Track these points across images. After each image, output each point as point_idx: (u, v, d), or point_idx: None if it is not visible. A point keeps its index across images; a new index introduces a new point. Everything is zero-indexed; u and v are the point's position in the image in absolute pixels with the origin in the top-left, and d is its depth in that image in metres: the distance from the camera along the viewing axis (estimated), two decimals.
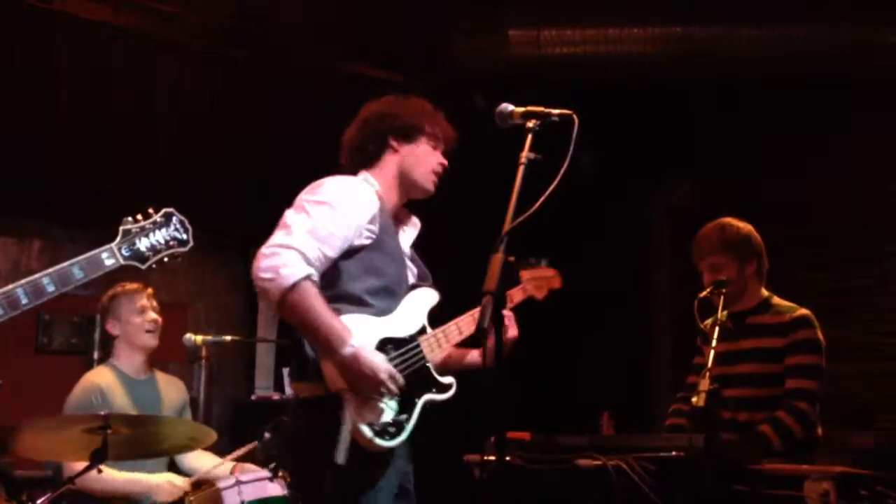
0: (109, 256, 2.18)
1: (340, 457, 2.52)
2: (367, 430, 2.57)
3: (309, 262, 2.54)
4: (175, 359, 4.73)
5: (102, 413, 3.16)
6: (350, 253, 2.67)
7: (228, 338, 4.29)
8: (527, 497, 2.96)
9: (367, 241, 2.69)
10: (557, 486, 2.90)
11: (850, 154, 5.85)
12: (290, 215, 2.62)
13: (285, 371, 5.50)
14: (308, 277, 2.52)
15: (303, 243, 2.55)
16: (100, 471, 3.09)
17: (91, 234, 5.45)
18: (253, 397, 5.76)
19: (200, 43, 5.55)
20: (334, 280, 2.66)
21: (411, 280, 2.85)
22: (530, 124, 2.36)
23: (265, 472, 3.62)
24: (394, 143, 2.84)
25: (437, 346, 2.78)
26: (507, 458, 2.90)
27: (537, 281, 3.22)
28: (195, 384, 4.44)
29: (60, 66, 5.16)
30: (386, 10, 5.63)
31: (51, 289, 2.05)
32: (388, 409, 2.63)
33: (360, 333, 2.59)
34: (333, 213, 2.61)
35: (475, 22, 5.88)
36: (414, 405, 2.69)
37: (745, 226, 3.57)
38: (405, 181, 2.85)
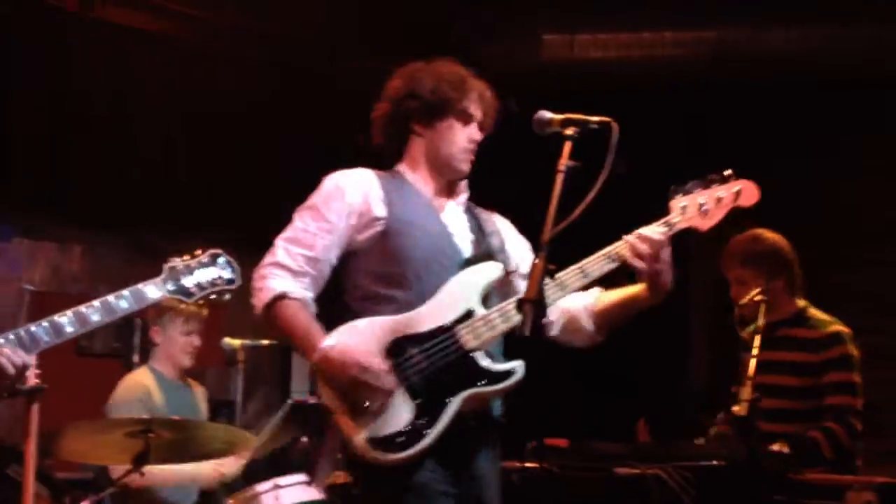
0: (155, 290, 2.23)
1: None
2: (362, 444, 2.35)
3: (293, 273, 2.47)
4: (212, 363, 4.78)
5: (145, 417, 3.21)
6: (362, 247, 2.53)
7: (266, 342, 4.32)
8: None
9: (380, 229, 2.52)
10: (595, 495, 2.89)
11: (891, 155, 5.78)
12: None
13: None
14: (282, 296, 2.43)
15: (283, 255, 2.49)
16: (142, 474, 3.13)
17: (129, 239, 5.58)
18: (290, 401, 5.80)
19: (228, 46, 5.60)
20: (351, 279, 2.54)
21: (466, 256, 2.56)
22: (569, 132, 2.30)
23: (303, 476, 3.65)
24: (417, 128, 2.64)
25: (490, 329, 2.44)
26: (545, 465, 2.90)
27: (704, 203, 2.55)
28: (233, 388, 4.48)
29: (96, 72, 5.23)
30: (413, 13, 5.64)
31: (96, 318, 2.09)
32: (396, 415, 2.37)
33: (364, 336, 2.41)
34: (316, 213, 2.53)
35: (507, 26, 5.88)
36: (443, 405, 2.38)
37: (774, 238, 3.53)
38: (436, 164, 2.64)
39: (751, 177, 2.57)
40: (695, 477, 2.79)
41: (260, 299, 2.46)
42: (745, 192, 2.55)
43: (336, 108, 5.64)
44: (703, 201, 2.53)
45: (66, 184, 5.13)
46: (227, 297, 2.35)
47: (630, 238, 2.46)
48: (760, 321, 3.12)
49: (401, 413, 2.37)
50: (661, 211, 2.58)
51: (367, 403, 2.35)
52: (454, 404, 2.38)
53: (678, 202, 2.55)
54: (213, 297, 2.33)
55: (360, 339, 2.41)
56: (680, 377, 6.34)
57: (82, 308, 2.07)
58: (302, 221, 2.54)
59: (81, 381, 4.91)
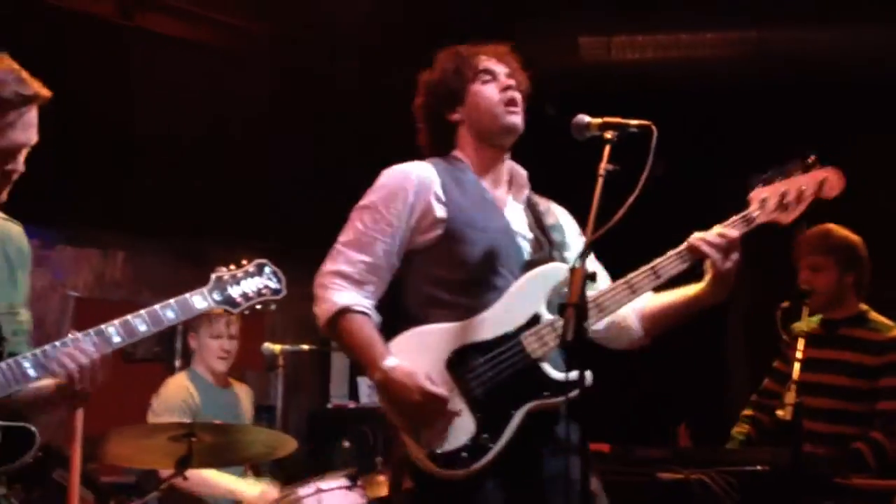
0: (202, 300, 2.23)
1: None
2: (425, 459, 2.29)
3: (355, 282, 2.42)
4: (252, 367, 4.82)
5: (187, 421, 3.25)
6: (423, 248, 2.44)
7: (306, 347, 4.35)
8: None
9: (440, 231, 2.42)
10: (639, 500, 2.87)
11: None
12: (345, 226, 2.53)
13: (360, 380, 5.56)
14: (345, 310, 2.38)
15: (344, 263, 2.43)
16: (185, 478, 3.18)
17: (171, 245, 5.64)
18: (329, 406, 5.83)
19: (267, 54, 5.65)
20: (412, 281, 2.46)
21: (528, 256, 2.47)
22: (608, 135, 2.27)
23: (344, 480, 3.66)
24: (453, 116, 2.55)
25: (556, 335, 2.32)
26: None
27: (786, 195, 2.41)
28: (272, 393, 4.53)
29: (138, 80, 5.31)
30: (446, 16, 5.64)
31: (143, 329, 2.11)
32: (459, 430, 2.30)
33: (426, 351, 2.34)
34: (375, 213, 2.45)
35: (543, 29, 5.86)
36: (507, 418, 2.31)
37: (853, 236, 3.53)
38: (484, 136, 2.53)
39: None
40: (738, 482, 2.76)
41: (323, 312, 2.42)
42: (830, 181, 2.41)
43: (376, 114, 5.66)
44: (784, 192, 2.40)
45: (109, 191, 5.20)
46: (273, 307, 2.35)
47: (707, 235, 2.38)
48: (804, 323, 3.08)
49: (463, 428, 2.31)
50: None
51: (426, 418, 2.30)
52: (518, 417, 2.31)
53: (758, 194, 2.43)
54: (258, 307, 2.31)
55: (422, 356, 2.34)
56: (719, 380, 6.28)
57: (129, 318, 2.08)
58: (361, 223, 2.46)
59: (125, 385, 4.97)
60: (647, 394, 5.85)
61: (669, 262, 2.39)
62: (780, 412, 2.67)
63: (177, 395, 3.91)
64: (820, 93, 5.71)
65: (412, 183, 2.46)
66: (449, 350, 2.36)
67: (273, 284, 2.33)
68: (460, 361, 2.35)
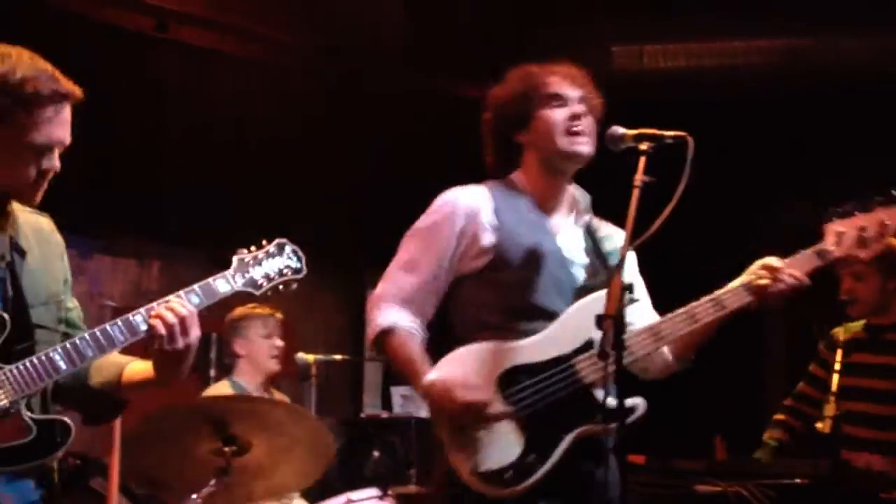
0: (224, 283, 2.19)
1: None
2: (470, 476, 2.30)
3: (402, 303, 2.47)
4: (284, 377, 4.84)
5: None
6: (473, 273, 2.47)
7: (339, 356, 4.37)
8: None
9: (490, 257, 2.44)
10: None
11: None
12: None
13: (393, 390, 5.56)
14: (390, 329, 2.44)
15: (393, 285, 2.49)
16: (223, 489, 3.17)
17: (206, 254, 5.67)
18: (362, 415, 5.84)
19: (302, 64, 5.69)
20: (461, 306, 2.49)
21: (581, 282, 2.47)
22: (643, 147, 2.25)
23: (375, 490, 3.66)
24: (520, 139, 2.54)
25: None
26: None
27: (866, 229, 2.29)
28: (306, 402, 4.53)
29: (171, 91, 5.37)
30: (478, 27, 5.65)
31: (144, 328, 2.09)
32: (505, 449, 2.31)
33: (471, 366, 2.36)
34: (425, 239, 2.50)
35: (574, 38, 5.85)
36: (555, 442, 2.31)
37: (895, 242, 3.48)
38: (547, 161, 2.51)
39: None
40: (777, 495, 2.72)
41: (371, 330, 2.49)
42: None
43: (415, 123, 5.68)
44: (863, 226, 2.29)
45: (145, 200, 5.26)
46: (294, 286, 2.28)
47: (781, 275, 2.34)
48: (843, 329, 3.04)
49: (510, 447, 2.32)
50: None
51: (473, 435, 2.31)
52: (566, 441, 2.31)
53: (834, 227, 2.34)
54: (281, 287, 2.25)
55: (466, 370, 2.36)
56: (756, 390, 6.21)
57: (155, 305, 2.06)
58: (412, 246, 2.52)
59: (159, 395, 5.02)
60: (682, 404, 5.81)
61: (735, 295, 2.37)
62: (819, 424, 2.63)
63: None
64: (856, 102, 5.65)
65: (462, 210, 2.49)
66: (499, 369, 2.37)
67: (294, 264, 2.27)
68: (510, 381, 2.36)
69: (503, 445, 2.31)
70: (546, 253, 2.46)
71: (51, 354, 1.98)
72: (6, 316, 1.98)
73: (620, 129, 2.33)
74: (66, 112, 2.03)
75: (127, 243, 5.46)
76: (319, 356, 4.17)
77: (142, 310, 2.07)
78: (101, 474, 3.93)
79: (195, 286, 2.14)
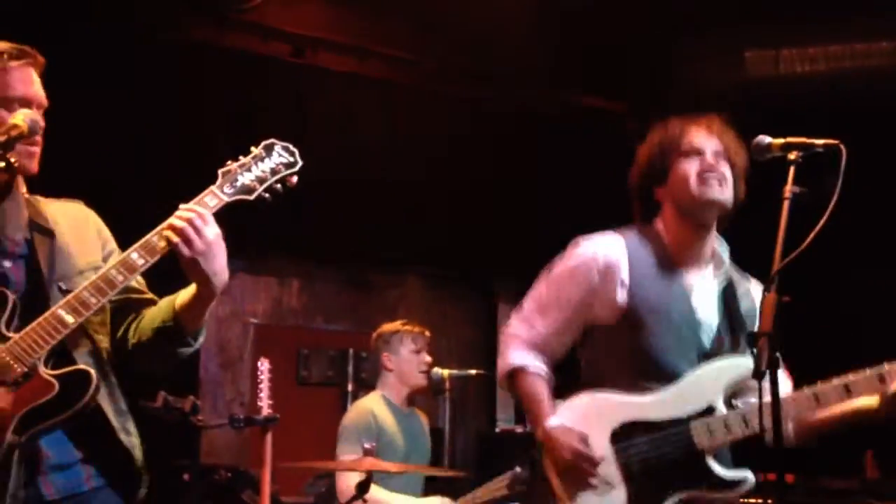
0: (212, 199, 2.11)
1: None
2: None
3: (531, 345, 2.57)
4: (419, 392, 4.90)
5: (365, 474, 3.31)
6: (602, 324, 2.53)
7: (473, 371, 4.37)
8: None
9: (621, 313, 2.49)
10: None
11: None
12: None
13: None
14: (520, 369, 2.55)
15: (525, 325, 2.59)
16: (364, 501, 3.26)
17: (344, 273, 5.83)
18: (497, 430, 5.84)
19: (438, 87, 5.76)
20: (589, 354, 2.59)
21: (709, 346, 2.50)
22: (792, 156, 2.18)
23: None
24: (660, 193, 2.59)
25: (726, 431, 2.37)
26: (769, 502, 2.77)
27: None
28: (440, 417, 4.57)
29: (311, 113, 5.52)
30: (607, 38, 5.58)
31: (162, 244, 2.01)
32: (607, 501, 2.39)
33: (591, 417, 2.44)
34: (559, 285, 2.58)
35: (707, 45, 5.73)
36: (659, 500, 2.37)
37: None
38: (683, 211, 2.54)
39: None
40: None
41: (501, 367, 2.61)
42: None
43: (557, 145, 5.66)
44: None
45: (285, 221, 5.42)
46: (295, 180, 2.19)
47: None
48: None
49: (615, 499, 2.39)
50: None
51: (580, 481, 2.39)
52: (670, 502, 2.37)
53: None
54: (277, 185, 2.18)
55: (585, 421, 2.45)
56: None
57: (153, 238, 2.02)
58: (549, 290, 2.59)
59: (299, 407, 5.18)
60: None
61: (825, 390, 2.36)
62: None
63: (360, 420, 3.96)
64: None
65: (598, 264, 2.53)
66: (617, 421, 2.44)
67: (286, 159, 2.18)
68: (625, 435, 2.42)
69: (608, 498, 2.38)
70: (678, 315, 2.49)
71: (56, 311, 1.96)
72: (9, 293, 1.98)
73: (767, 139, 2.27)
74: (30, 71, 2.06)
75: (268, 263, 5.63)
76: (454, 371, 4.18)
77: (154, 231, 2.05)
78: (251, 486, 4.07)
79: (185, 205, 2.06)
